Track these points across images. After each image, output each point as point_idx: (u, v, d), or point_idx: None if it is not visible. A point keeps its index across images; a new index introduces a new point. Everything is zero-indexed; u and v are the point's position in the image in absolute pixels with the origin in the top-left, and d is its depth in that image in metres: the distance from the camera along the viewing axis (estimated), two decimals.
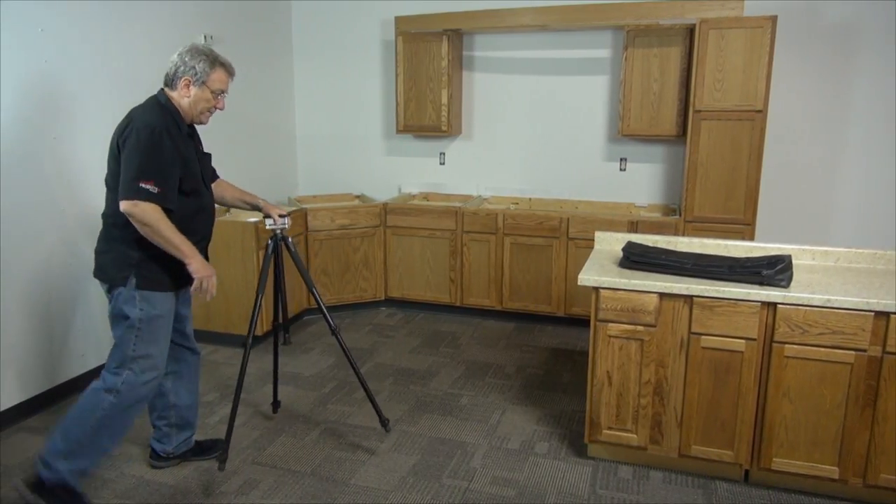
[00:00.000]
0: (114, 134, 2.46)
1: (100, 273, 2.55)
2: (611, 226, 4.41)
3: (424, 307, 5.11)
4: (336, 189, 5.61)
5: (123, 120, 2.45)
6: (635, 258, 2.91)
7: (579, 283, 2.82)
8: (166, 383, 2.78)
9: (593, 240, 3.38)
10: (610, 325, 2.82)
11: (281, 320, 3.20)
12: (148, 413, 2.88)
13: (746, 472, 2.86)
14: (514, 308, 4.83)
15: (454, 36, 4.92)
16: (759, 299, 2.61)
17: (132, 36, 3.87)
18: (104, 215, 2.54)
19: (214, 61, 2.52)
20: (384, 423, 3.17)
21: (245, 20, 4.94)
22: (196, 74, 2.48)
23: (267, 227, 2.97)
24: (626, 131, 4.60)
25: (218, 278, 2.61)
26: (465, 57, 5.15)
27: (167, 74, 2.52)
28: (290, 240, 3.00)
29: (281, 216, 2.94)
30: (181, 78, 2.49)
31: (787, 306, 2.58)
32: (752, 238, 4.20)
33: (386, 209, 5.00)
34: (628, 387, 2.87)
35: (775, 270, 2.66)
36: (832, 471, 2.67)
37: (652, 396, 2.85)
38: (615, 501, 2.74)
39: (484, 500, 2.74)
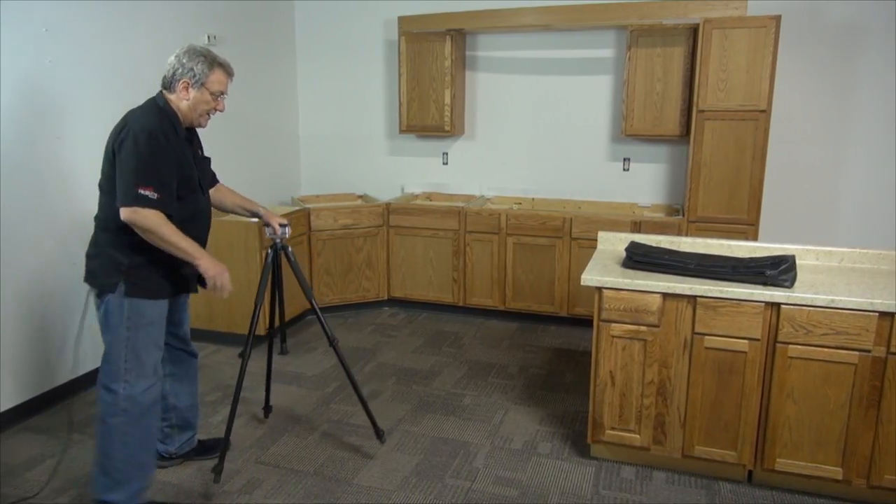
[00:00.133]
0: (109, 136, 2.41)
1: (90, 278, 2.49)
2: (614, 226, 4.41)
3: (427, 307, 5.11)
4: (339, 189, 5.62)
5: (119, 122, 2.40)
6: (638, 258, 2.90)
7: (582, 283, 2.82)
8: (165, 385, 2.77)
9: (596, 240, 3.37)
10: (613, 325, 2.82)
11: (278, 328, 3.15)
12: None
13: (750, 472, 2.85)
14: (517, 308, 4.82)
15: (457, 36, 4.92)
16: (762, 299, 2.61)
17: (136, 36, 3.88)
18: (96, 218, 2.49)
19: (213, 62, 2.46)
20: (379, 434, 3.10)
21: (248, 20, 4.95)
22: (195, 76, 2.43)
23: (267, 236, 2.91)
24: (629, 131, 4.60)
25: None
26: (468, 57, 5.15)
27: (165, 77, 2.47)
28: (289, 249, 2.93)
29: (281, 225, 2.87)
30: (179, 80, 2.44)
31: (791, 306, 2.57)
32: (755, 238, 4.19)
33: (389, 209, 5.00)
34: (631, 387, 2.86)
35: (779, 270, 2.65)
36: (836, 472, 2.66)
37: (655, 397, 2.85)
38: (618, 502, 2.73)
39: (487, 500, 2.74)
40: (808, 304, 2.55)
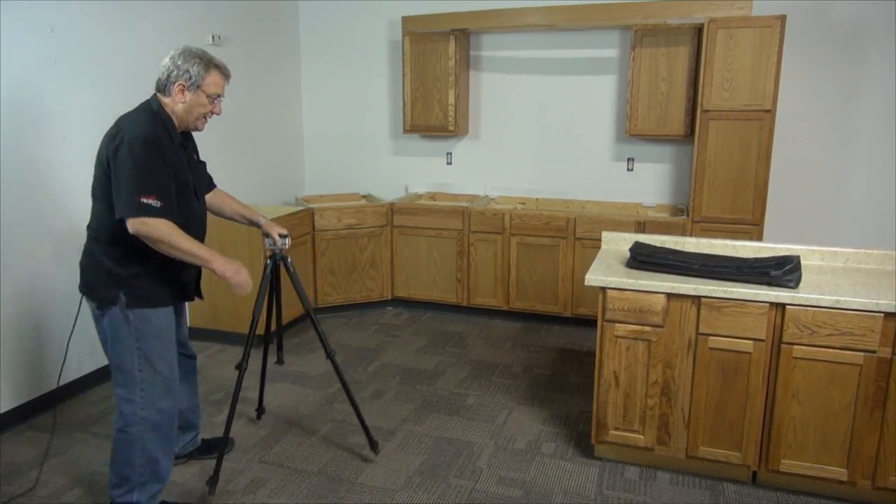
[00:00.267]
0: (102, 141, 2.33)
1: (87, 290, 2.42)
2: (618, 226, 4.40)
3: (431, 307, 5.11)
4: (343, 189, 5.62)
5: (112, 128, 2.32)
6: (642, 258, 2.90)
7: (586, 284, 2.81)
8: None
9: (600, 240, 3.37)
10: (617, 325, 2.82)
11: (274, 337, 3.14)
12: None
13: (754, 473, 2.84)
14: (520, 308, 4.82)
15: (461, 36, 4.92)
16: (767, 300, 2.60)
17: (141, 37, 3.89)
18: (88, 228, 2.41)
19: (209, 64, 2.37)
20: (373, 445, 3.05)
21: (252, 20, 4.96)
22: (190, 79, 2.34)
23: (266, 247, 2.87)
24: (633, 131, 4.59)
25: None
26: (472, 57, 5.15)
27: (159, 80, 2.37)
28: (289, 260, 2.88)
29: (281, 236, 2.81)
30: (174, 83, 2.34)
31: (796, 307, 2.57)
32: (760, 238, 4.17)
33: (393, 209, 5.00)
34: (635, 387, 2.86)
35: (784, 271, 2.65)
36: (841, 473, 2.65)
37: (659, 397, 2.84)
38: (622, 502, 2.73)
39: (490, 500, 2.74)
40: (813, 304, 2.54)
